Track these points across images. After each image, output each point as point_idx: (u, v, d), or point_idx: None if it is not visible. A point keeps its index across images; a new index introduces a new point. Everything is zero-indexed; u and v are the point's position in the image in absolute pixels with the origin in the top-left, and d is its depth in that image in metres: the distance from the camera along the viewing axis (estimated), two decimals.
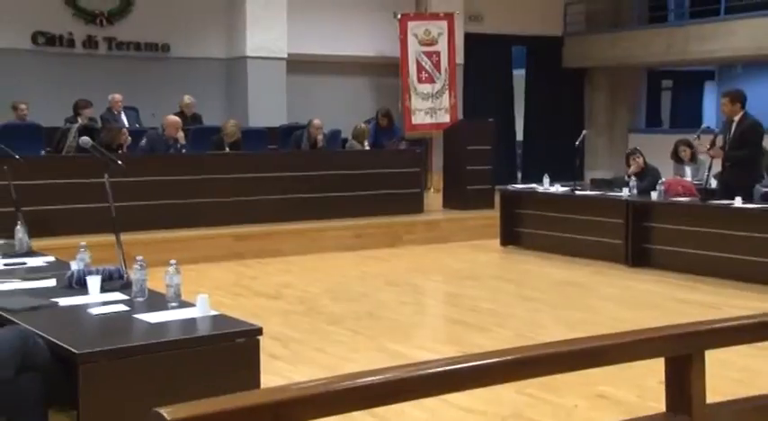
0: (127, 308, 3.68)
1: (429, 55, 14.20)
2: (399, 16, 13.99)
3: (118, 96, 11.35)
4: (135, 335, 3.38)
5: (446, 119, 14.03)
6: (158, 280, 3.91)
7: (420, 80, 14.16)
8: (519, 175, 15.96)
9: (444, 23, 14.28)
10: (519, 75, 16.55)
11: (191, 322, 3.47)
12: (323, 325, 6.62)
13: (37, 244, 5.51)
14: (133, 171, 7.42)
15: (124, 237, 4.32)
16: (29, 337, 3.19)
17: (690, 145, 10.13)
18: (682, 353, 2.26)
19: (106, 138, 9.14)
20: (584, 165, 14.01)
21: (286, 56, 13.20)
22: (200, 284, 6.43)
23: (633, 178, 9.36)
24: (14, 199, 5.47)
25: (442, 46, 14.25)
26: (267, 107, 12.83)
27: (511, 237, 10.32)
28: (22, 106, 10.81)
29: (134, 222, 7.54)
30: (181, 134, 9.92)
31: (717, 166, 8.61)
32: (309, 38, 13.51)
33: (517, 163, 16.52)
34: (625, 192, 9.21)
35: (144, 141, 9.87)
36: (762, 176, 9.08)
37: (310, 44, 13.49)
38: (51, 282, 4.22)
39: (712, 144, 8.39)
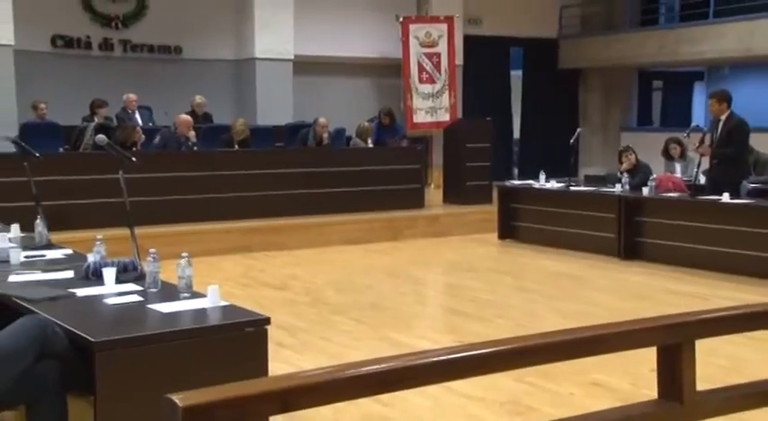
0: (141, 298, 3.70)
1: (430, 56, 14.31)
2: (401, 19, 14.11)
3: (132, 96, 11.47)
4: (148, 324, 3.41)
5: (446, 118, 14.14)
6: (171, 271, 3.93)
7: (421, 80, 14.28)
8: (516, 172, 15.99)
9: (444, 26, 14.40)
10: (516, 75, 16.64)
11: (201, 312, 3.50)
12: (328, 315, 6.66)
13: (56, 237, 5.51)
14: (146, 168, 7.50)
15: (138, 230, 4.35)
16: (48, 326, 3.22)
17: (680, 143, 10.19)
18: (673, 342, 2.27)
19: (121, 136, 9.20)
20: (578, 162, 13.94)
21: (293, 57, 13.28)
22: (210, 276, 6.36)
23: (625, 175, 9.46)
24: (34, 194, 5.45)
25: (442, 48, 14.37)
26: (275, 106, 12.90)
27: (508, 231, 10.39)
28: (42, 106, 10.96)
29: (147, 216, 7.48)
30: (192, 132, 9.98)
31: (705, 163, 8.69)
32: (315, 40, 13.59)
33: (514, 160, 16.56)
34: (618, 188, 9.31)
35: (157, 139, 9.91)
36: (748, 173, 9.16)
37: (316, 46, 13.57)
38: (69, 274, 4.23)
39: (701, 142, 8.45)
